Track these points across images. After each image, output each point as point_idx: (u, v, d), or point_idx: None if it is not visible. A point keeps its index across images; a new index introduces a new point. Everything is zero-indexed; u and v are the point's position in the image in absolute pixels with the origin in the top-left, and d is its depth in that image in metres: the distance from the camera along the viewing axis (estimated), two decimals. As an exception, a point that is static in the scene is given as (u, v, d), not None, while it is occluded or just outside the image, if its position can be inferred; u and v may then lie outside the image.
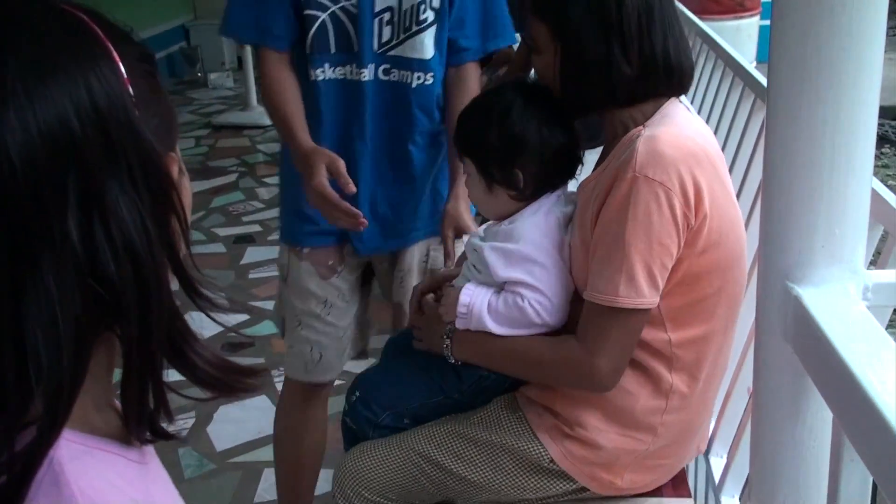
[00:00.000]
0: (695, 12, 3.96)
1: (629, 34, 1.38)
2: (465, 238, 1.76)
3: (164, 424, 0.75)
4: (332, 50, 1.85)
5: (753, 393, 1.20)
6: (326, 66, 1.87)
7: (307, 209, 1.90)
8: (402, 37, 1.86)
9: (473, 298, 1.49)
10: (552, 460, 1.50)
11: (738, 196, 2.24)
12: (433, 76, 1.91)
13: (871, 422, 0.83)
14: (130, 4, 6.25)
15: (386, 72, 1.88)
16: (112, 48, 0.68)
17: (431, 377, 1.62)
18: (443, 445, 1.57)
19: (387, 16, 1.83)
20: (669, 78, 1.44)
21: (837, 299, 1.02)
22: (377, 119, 1.91)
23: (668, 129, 1.38)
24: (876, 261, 1.70)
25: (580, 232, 1.45)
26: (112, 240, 0.64)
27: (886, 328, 1.46)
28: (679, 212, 1.33)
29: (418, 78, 1.90)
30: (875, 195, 1.48)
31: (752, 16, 5.86)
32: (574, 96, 1.46)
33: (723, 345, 1.51)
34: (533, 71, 3.42)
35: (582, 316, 1.43)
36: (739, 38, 5.41)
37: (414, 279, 2.08)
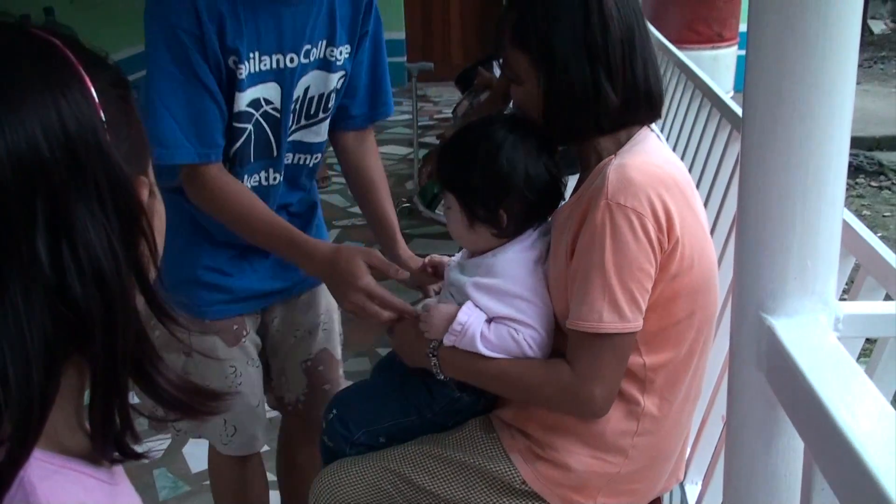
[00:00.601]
0: (673, 42, 4.01)
1: (615, 63, 1.40)
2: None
3: (133, 445, 0.75)
4: (252, 160, 1.77)
5: (726, 421, 1.22)
6: (245, 176, 1.79)
7: (206, 276, 1.83)
8: (302, 122, 1.81)
9: (470, 320, 1.48)
10: (524, 481, 1.51)
11: (713, 226, 2.27)
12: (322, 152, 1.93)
13: (841, 451, 0.84)
14: (123, 23, 6.28)
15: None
16: (84, 73, 0.69)
17: (406, 396, 1.63)
18: (417, 464, 1.57)
19: (294, 105, 1.78)
20: (649, 105, 1.47)
21: (809, 330, 1.03)
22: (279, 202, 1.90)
23: (637, 157, 1.41)
24: (849, 289, 1.72)
25: (554, 261, 1.47)
26: (79, 262, 0.65)
27: (857, 359, 1.49)
28: (653, 236, 1.35)
29: (315, 158, 1.90)
30: (847, 227, 1.51)
31: (729, 46, 5.94)
32: (560, 126, 1.47)
33: (696, 369, 1.52)
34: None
35: (570, 345, 1.44)
36: (717, 67, 5.49)
37: (336, 322, 2.06)
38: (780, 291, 1.05)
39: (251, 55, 1.63)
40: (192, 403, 0.78)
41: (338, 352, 2.12)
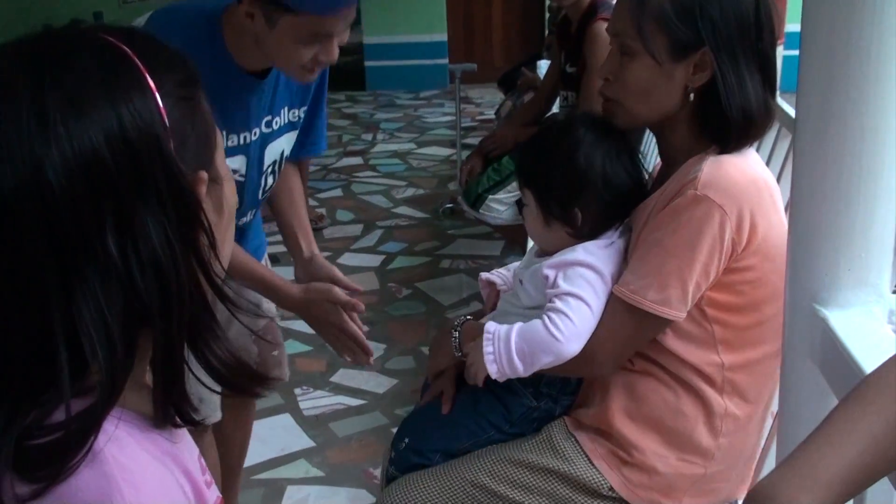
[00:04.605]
0: (719, 41, 3.98)
1: (775, 83, 1.40)
2: None
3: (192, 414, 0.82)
4: None
5: (780, 413, 1.23)
6: None
7: None
8: (277, 178, 1.95)
9: (497, 332, 1.45)
10: (611, 488, 1.48)
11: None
12: None
13: None
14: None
15: None
16: (150, 79, 0.74)
17: (479, 413, 1.59)
18: (495, 472, 1.52)
19: (271, 167, 1.90)
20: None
21: (863, 322, 1.04)
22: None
23: (734, 158, 1.39)
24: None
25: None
26: (139, 256, 0.71)
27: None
28: (728, 237, 1.33)
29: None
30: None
31: (775, 45, 5.87)
32: (712, 127, 1.41)
33: (773, 370, 1.49)
34: (560, 98, 3.42)
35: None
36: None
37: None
38: (833, 283, 1.06)
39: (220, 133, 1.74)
40: (238, 381, 0.85)
41: (277, 318, 2.27)
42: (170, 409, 0.79)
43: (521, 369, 1.42)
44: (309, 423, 3.05)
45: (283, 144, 1.91)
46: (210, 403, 2.02)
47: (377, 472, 2.66)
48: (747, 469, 1.57)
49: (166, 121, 0.74)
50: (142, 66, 0.74)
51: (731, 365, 1.42)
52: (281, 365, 2.24)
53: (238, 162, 1.83)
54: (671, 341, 1.42)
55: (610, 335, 1.40)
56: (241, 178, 1.85)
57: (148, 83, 0.74)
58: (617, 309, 1.40)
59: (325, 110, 2.04)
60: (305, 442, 2.96)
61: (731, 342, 1.42)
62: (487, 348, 1.44)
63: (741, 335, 1.42)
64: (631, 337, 1.41)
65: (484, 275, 1.71)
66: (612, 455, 1.49)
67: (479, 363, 1.45)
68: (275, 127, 1.86)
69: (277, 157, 1.91)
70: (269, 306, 2.07)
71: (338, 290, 1.83)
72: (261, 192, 1.93)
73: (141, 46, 0.76)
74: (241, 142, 1.80)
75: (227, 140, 1.77)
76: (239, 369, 0.84)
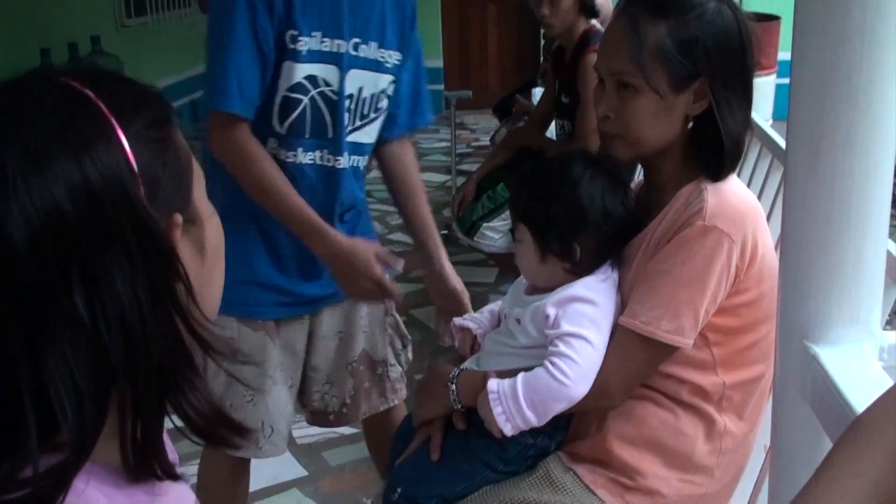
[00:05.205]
0: (712, 70, 4.00)
1: (751, 92, 1.44)
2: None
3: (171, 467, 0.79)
4: (307, 135, 1.85)
5: (771, 450, 1.22)
6: (300, 150, 1.86)
7: (262, 277, 1.93)
8: (357, 123, 1.90)
9: (500, 387, 1.43)
10: None
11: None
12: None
13: (888, 480, 0.84)
14: (168, 51, 6.39)
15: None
16: (116, 124, 0.71)
17: (473, 455, 1.54)
18: None
19: (347, 102, 1.86)
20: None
21: (854, 359, 1.04)
22: (343, 202, 1.99)
23: (728, 185, 1.42)
24: (892, 321, 1.71)
25: (629, 286, 1.45)
26: (105, 310, 0.69)
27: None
28: (734, 264, 1.36)
29: (365, 160, 1.98)
30: (891, 257, 1.50)
31: (768, 74, 5.91)
32: (705, 158, 1.43)
33: (766, 387, 1.51)
34: (556, 127, 3.43)
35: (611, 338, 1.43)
36: (756, 96, 5.43)
37: (380, 329, 2.16)
38: (824, 320, 1.05)
39: (313, 34, 1.75)
40: (217, 433, 0.81)
41: (378, 354, 2.19)
42: (147, 463, 0.76)
43: (534, 421, 1.42)
44: (301, 452, 3.03)
45: (365, 81, 1.87)
46: (278, 435, 2.00)
47: (370, 503, 2.65)
48: (734, 489, 1.58)
49: (135, 167, 0.71)
50: (106, 111, 0.71)
51: (731, 384, 1.44)
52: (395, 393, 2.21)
53: (331, 72, 1.80)
54: (671, 366, 1.43)
55: (620, 367, 1.41)
56: (334, 96, 1.83)
57: (113, 128, 0.70)
58: (627, 341, 1.40)
59: (426, 79, 2.07)
60: (298, 471, 2.95)
61: (729, 362, 1.43)
62: (497, 409, 1.42)
63: (738, 356, 1.44)
64: (642, 367, 1.42)
65: (457, 321, 1.69)
66: (614, 483, 1.48)
67: (490, 422, 1.44)
68: (361, 54, 1.84)
69: (355, 92, 1.86)
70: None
71: (382, 249, 1.86)
72: (345, 125, 1.87)
73: (105, 88, 0.73)
74: (335, 49, 1.78)
75: (321, 43, 1.77)
76: (217, 420, 0.80)
